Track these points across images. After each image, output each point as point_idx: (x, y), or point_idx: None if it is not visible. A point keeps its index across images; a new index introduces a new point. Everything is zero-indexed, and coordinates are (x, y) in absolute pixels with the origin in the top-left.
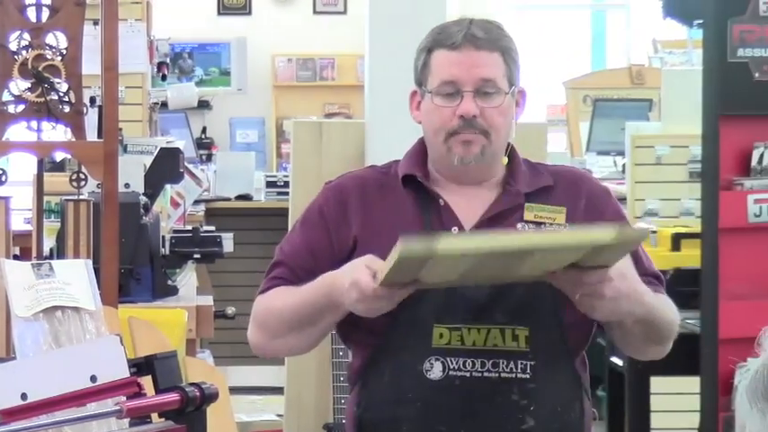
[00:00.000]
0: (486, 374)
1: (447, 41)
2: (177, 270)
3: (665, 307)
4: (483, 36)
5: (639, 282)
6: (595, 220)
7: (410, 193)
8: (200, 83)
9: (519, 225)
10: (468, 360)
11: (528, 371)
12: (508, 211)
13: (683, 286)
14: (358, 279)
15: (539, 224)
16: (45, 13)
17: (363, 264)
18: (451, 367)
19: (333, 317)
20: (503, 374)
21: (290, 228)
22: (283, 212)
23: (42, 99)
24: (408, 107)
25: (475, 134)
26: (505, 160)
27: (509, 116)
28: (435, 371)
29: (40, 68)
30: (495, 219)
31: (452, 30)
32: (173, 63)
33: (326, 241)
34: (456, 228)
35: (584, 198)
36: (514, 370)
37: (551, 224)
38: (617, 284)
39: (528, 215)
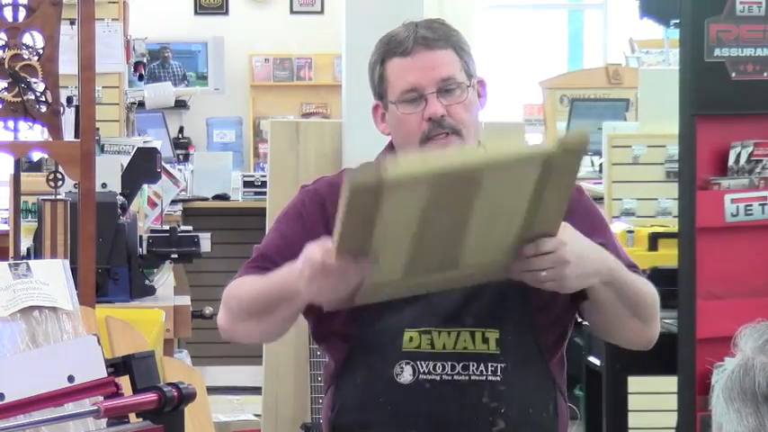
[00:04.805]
0: (456, 377)
1: (398, 49)
2: (155, 270)
3: (637, 279)
4: (432, 36)
5: (594, 245)
6: (564, 218)
7: None
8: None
9: None
10: (438, 363)
11: (498, 373)
12: None
13: (661, 286)
14: (309, 254)
15: None
16: (22, 13)
17: (316, 243)
18: (421, 371)
19: (289, 307)
20: (473, 377)
21: (267, 227)
22: (261, 212)
23: (19, 99)
24: (373, 121)
25: (447, 135)
26: None
27: (474, 110)
28: (405, 375)
29: (16, 68)
30: None
31: (401, 36)
32: (159, 64)
33: (303, 236)
34: None
35: None
36: (485, 372)
37: None
38: (573, 246)
39: None
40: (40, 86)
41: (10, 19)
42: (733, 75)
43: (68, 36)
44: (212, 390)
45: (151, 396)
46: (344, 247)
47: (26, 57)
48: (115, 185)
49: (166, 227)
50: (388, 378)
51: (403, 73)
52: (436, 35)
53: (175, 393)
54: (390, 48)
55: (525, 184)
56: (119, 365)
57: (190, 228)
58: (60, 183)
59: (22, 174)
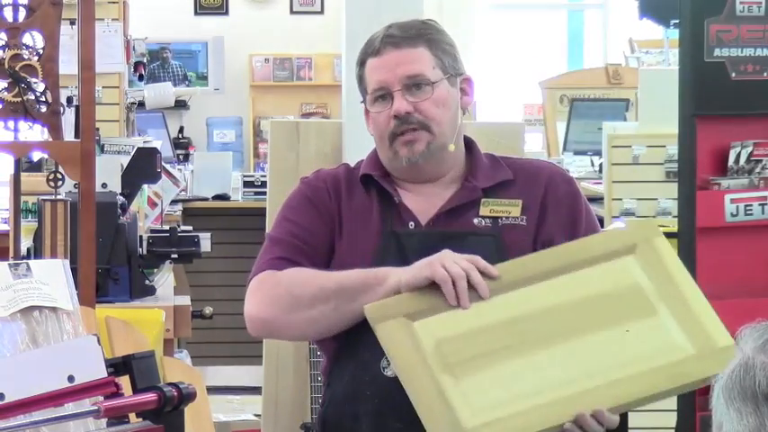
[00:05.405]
0: None
1: (370, 50)
2: (155, 270)
3: None
4: (401, 34)
5: None
6: (550, 204)
7: (372, 192)
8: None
9: (475, 220)
10: None
11: None
12: (464, 207)
13: None
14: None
15: (495, 218)
16: (22, 13)
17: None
18: None
19: (368, 297)
20: None
21: (267, 227)
22: (261, 212)
23: (19, 99)
24: (365, 122)
25: (415, 131)
26: (452, 147)
27: (449, 105)
28: (392, 368)
29: (16, 68)
30: (450, 213)
31: (374, 37)
32: (160, 65)
33: (317, 218)
34: (413, 223)
35: (543, 186)
36: None
37: (507, 217)
38: None
39: (483, 210)
40: (40, 86)
41: (10, 19)
42: (733, 75)
43: (68, 36)
44: (212, 390)
45: (151, 396)
46: (512, 273)
47: (26, 57)
48: (115, 185)
49: (166, 227)
50: (375, 371)
51: (373, 72)
52: (406, 34)
53: (175, 393)
54: (366, 49)
55: None
56: (119, 365)
57: (190, 228)
58: (60, 183)
59: (22, 174)
